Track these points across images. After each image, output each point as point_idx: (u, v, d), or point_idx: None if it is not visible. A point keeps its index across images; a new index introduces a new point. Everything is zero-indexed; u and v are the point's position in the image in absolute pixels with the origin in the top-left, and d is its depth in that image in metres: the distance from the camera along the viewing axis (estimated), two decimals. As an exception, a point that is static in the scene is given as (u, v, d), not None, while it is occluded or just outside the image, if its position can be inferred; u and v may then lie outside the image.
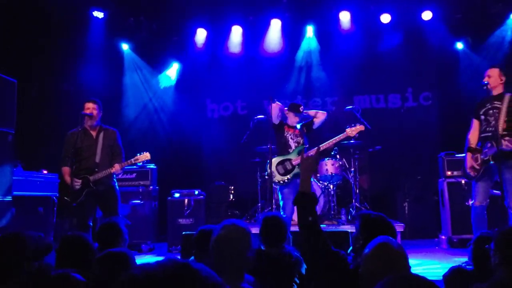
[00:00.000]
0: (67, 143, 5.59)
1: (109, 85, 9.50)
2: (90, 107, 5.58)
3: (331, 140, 6.02)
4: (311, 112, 6.30)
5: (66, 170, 5.54)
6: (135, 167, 7.57)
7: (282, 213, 5.84)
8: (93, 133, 5.64)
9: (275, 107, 6.06)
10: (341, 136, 6.05)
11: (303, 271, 3.05)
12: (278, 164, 6.02)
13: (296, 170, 5.90)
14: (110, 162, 5.58)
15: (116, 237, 3.56)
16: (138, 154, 5.65)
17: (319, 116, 6.11)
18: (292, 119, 6.11)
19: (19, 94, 5.97)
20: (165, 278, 0.87)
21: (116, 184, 5.68)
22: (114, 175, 5.61)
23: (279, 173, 5.99)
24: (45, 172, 7.15)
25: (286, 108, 6.18)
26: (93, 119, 5.59)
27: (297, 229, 2.66)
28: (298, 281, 2.97)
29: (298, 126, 6.16)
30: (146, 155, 5.63)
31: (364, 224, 2.72)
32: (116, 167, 5.47)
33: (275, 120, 6.10)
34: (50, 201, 7.05)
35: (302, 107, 6.14)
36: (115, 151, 5.68)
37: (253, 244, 2.33)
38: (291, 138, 6.08)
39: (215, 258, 2.21)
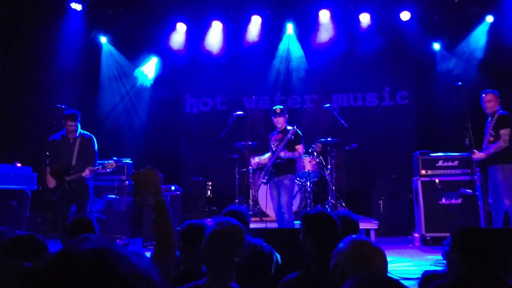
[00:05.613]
0: (49, 148, 6.23)
1: (86, 77, 9.37)
2: (72, 125, 6.09)
3: None
4: (291, 153, 6.46)
5: (49, 172, 6.15)
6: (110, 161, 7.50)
7: None
8: (71, 139, 6.20)
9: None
10: None
11: (279, 259, 3.09)
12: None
13: (271, 169, 6.47)
14: (85, 164, 6.18)
15: (87, 233, 3.52)
16: (106, 162, 6.48)
17: (294, 154, 6.48)
18: (275, 123, 6.61)
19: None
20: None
21: (90, 181, 6.31)
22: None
23: (263, 175, 6.67)
24: (18, 165, 7.01)
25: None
26: (74, 133, 6.16)
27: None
28: (273, 272, 2.99)
29: (288, 133, 6.39)
30: (112, 164, 6.45)
31: (305, 224, 2.76)
32: (86, 172, 6.12)
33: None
34: (23, 195, 6.93)
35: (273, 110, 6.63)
36: (89, 155, 6.30)
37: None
38: (272, 144, 6.64)
39: (209, 256, 2.22)
